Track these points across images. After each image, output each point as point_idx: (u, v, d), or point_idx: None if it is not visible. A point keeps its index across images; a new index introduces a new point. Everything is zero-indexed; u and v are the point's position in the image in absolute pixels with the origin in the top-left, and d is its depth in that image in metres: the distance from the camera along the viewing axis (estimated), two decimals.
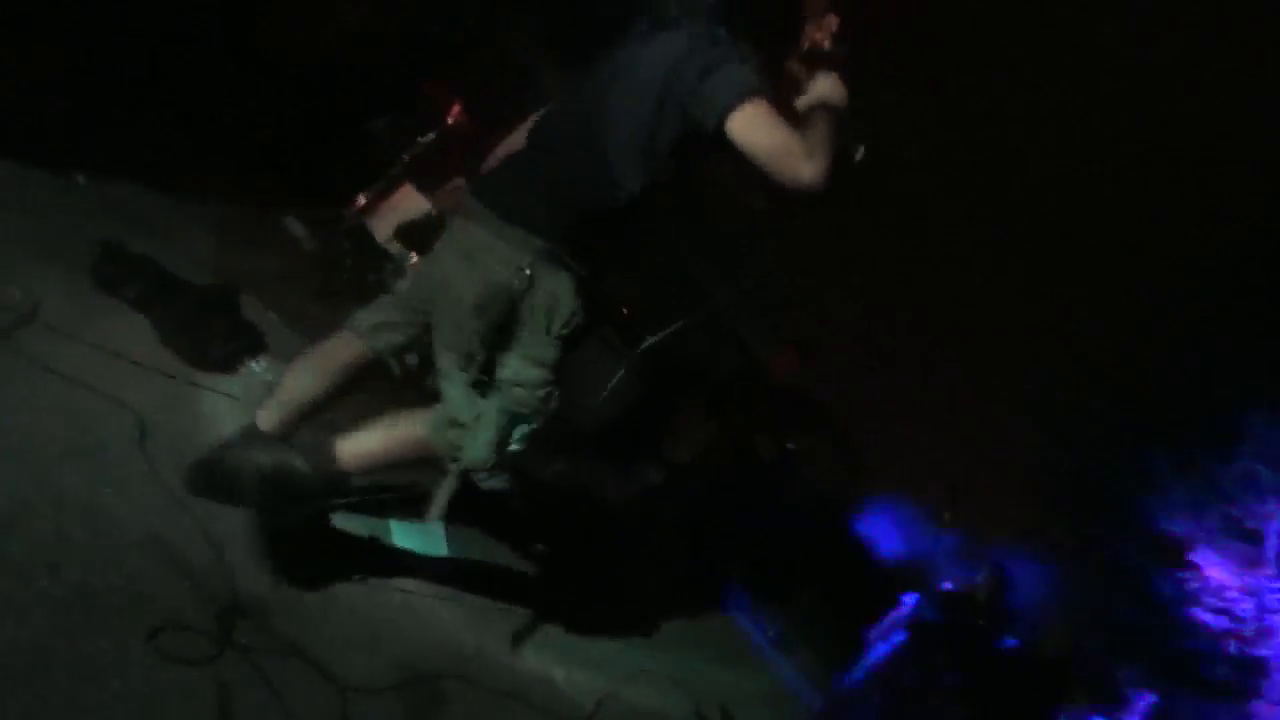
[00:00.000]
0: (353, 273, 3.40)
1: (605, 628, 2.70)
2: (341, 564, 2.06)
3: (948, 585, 4.35)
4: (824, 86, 1.73)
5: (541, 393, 1.83)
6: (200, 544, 1.81)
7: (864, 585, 4.52)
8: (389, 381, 2.01)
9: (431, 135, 3.34)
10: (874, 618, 4.23)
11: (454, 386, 1.81)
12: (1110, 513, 7.65)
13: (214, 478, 1.93)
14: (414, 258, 3.21)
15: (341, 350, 1.97)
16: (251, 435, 1.96)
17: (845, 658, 4.01)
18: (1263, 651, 6.37)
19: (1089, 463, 7.88)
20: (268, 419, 1.96)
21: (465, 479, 1.89)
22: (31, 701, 1.32)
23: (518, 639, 2.34)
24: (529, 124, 2.02)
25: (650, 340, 3.42)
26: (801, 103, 1.75)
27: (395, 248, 3.29)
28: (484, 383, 1.79)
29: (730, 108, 1.62)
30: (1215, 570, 6.67)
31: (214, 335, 2.52)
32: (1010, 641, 4.56)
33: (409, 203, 3.32)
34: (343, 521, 2.15)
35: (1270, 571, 6.41)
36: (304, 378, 1.96)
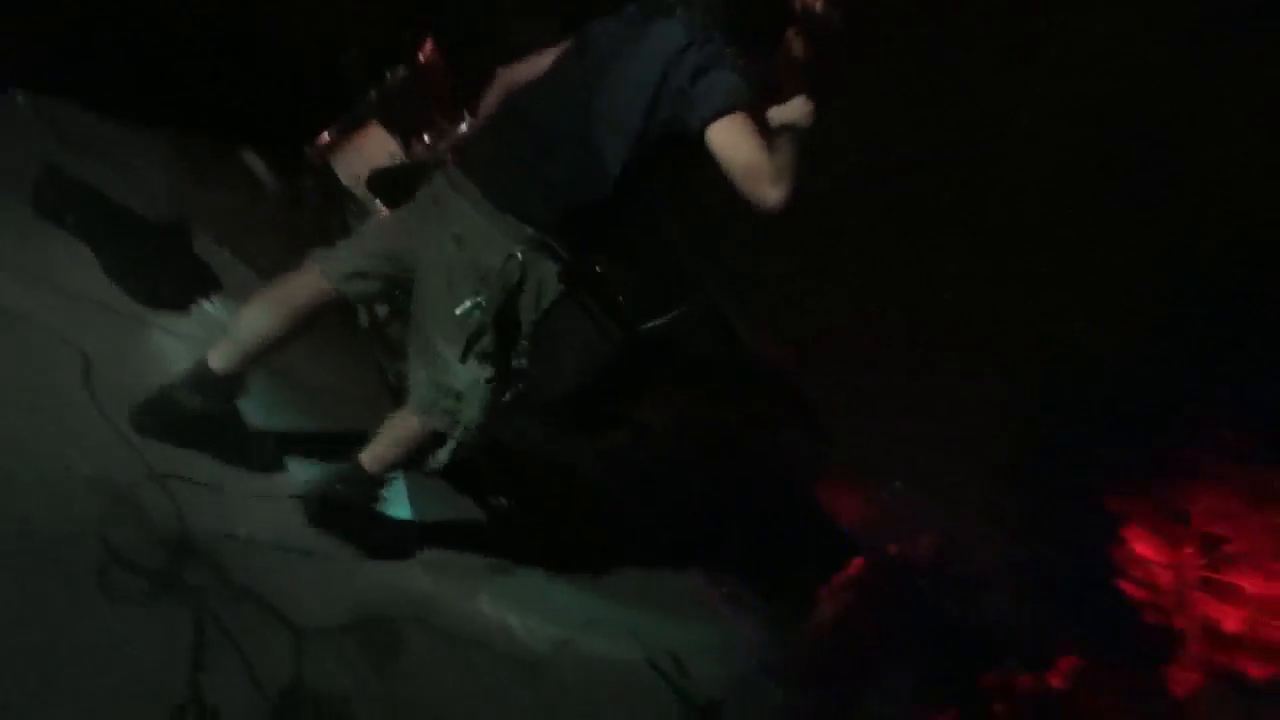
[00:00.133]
0: (314, 212, 3.29)
1: (562, 578, 2.74)
2: (297, 508, 2.03)
3: (893, 549, 4.53)
4: (793, 109, 1.77)
5: (520, 361, 1.90)
6: (149, 484, 1.77)
7: (816, 548, 4.66)
8: (347, 325, 1.98)
9: (402, 72, 3.21)
10: (823, 578, 4.39)
11: (450, 355, 1.85)
12: (1052, 487, 7.99)
13: (163, 418, 1.89)
14: (380, 206, 3.12)
15: (302, 291, 1.92)
16: (202, 374, 1.91)
17: (795, 616, 4.15)
18: (1180, 623, 6.82)
19: (1037, 438, 8.19)
20: (220, 358, 1.91)
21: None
22: None
23: (475, 586, 2.36)
24: (509, 77, 1.99)
25: (650, 325, 3.42)
26: (773, 116, 1.76)
27: (360, 189, 3.18)
28: (474, 352, 1.83)
29: (714, 115, 1.66)
30: (1142, 545, 7.06)
31: (164, 271, 2.43)
32: (950, 604, 4.78)
33: (376, 142, 3.21)
34: (302, 472, 2.12)
35: (1192, 550, 6.81)
36: (261, 318, 1.92)
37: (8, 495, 1.52)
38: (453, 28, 3.48)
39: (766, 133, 1.72)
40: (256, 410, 2.13)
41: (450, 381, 1.87)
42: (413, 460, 2.01)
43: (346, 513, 2.05)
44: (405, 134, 3.22)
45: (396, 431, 1.97)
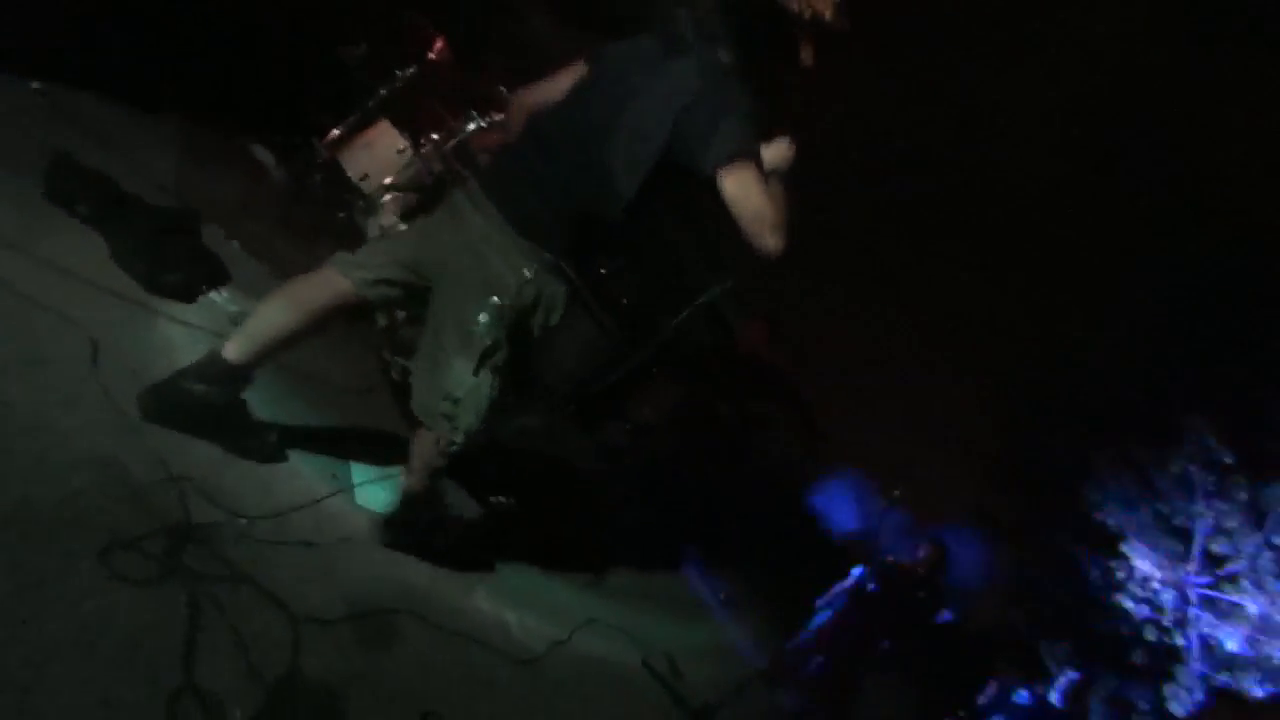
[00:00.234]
0: (321, 207, 3.31)
1: (560, 577, 2.73)
2: (298, 497, 2.04)
3: (891, 559, 4.51)
4: (776, 153, 1.90)
5: (528, 374, 2.04)
6: (152, 467, 1.77)
7: (814, 555, 4.65)
8: (352, 322, 2.01)
9: (412, 70, 3.23)
10: (821, 586, 4.37)
11: (456, 363, 1.93)
12: (1050, 500, 7.97)
13: (171, 404, 1.90)
14: (387, 205, 3.13)
15: (324, 292, 1.99)
16: (214, 364, 1.92)
17: (792, 621, 4.14)
18: (1179, 640, 6.77)
19: (1034, 452, 8.18)
20: (235, 350, 1.93)
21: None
22: None
23: (472, 582, 2.36)
24: (527, 99, 2.08)
25: (680, 317, 3.45)
26: (765, 159, 1.86)
27: (368, 185, 3.20)
28: (479, 362, 1.91)
29: (727, 162, 1.76)
30: (1143, 562, 7.02)
31: (171, 260, 2.44)
32: (946, 615, 4.76)
33: (385, 139, 3.22)
34: (304, 462, 2.13)
35: (1194, 568, 6.77)
36: (280, 314, 1.97)
37: (5, 468, 1.53)
38: (463, 27, 3.50)
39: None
40: (262, 402, 2.15)
41: (450, 387, 1.93)
42: (444, 463, 2.08)
43: (415, 529, 2.19)
44: (414, 132, 3.24)
45: (419, 447, 2.08)
